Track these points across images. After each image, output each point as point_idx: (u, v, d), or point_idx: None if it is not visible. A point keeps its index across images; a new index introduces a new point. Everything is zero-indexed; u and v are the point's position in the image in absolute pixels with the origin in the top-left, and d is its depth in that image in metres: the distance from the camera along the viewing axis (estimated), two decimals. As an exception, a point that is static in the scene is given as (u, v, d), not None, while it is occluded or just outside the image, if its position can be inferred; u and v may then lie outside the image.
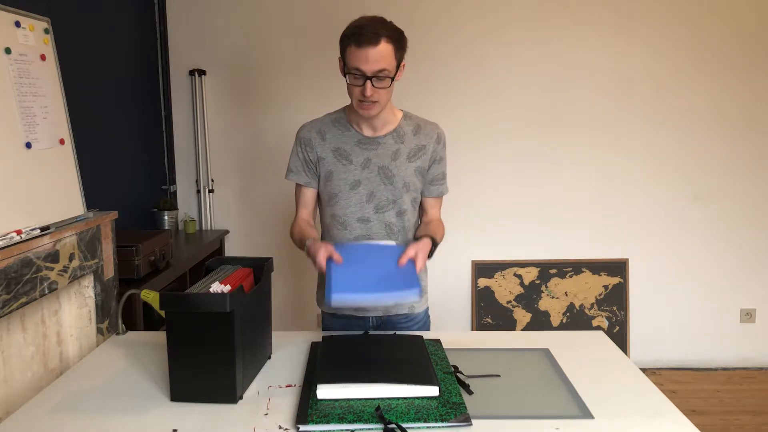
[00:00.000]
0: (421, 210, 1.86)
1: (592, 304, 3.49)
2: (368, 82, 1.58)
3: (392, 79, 1.62)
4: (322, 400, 1.29)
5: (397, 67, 1.63)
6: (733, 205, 3.45)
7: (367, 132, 1.75)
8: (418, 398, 1.30)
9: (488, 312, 3.48)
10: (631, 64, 3.34)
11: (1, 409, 1.41)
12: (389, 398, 1.30)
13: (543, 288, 3.49)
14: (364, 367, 1.43)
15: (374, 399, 1.30)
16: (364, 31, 1.56)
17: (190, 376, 1.32)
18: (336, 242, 1.75)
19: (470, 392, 1.36)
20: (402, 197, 1.76)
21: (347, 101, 1.87)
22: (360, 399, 1.30)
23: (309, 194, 1.84)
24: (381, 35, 1.56)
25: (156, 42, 3.31)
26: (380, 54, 1.56)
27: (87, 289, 1.73)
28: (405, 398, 1.30)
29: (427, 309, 1.91)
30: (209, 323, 1.30)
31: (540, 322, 3.48)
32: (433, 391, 1.32)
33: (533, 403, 1.33)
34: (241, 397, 1.35)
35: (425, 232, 1.74)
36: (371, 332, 1.77)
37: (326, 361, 1.45)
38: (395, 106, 1.80)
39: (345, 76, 1.65)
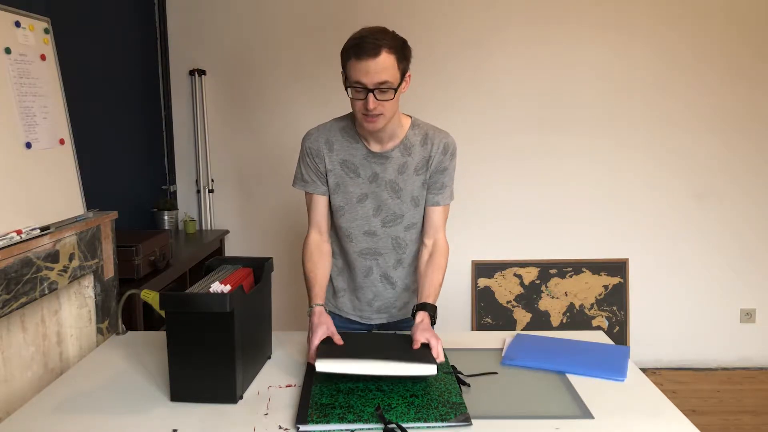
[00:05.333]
0: (425, 224, 1.76)
1: (592, 304, 3.49)
2: (370, 95, 1.52)
3: (395, 90, 1.55)
4: (322, 399, 1.30)
5: (401, 78, 1.56)
6: (734, 205, 3.45)
7: (375, 147, 1.68)
8: (418, 398, 1.30)
9: (488, 312, 3.48)
10: (631, 63, 3.34)
11: (1, 409, 1.41)
12: (388, 385, 1.33)
13: (543, 288, 3.49)
14: (364, 348, 1.47)
15: (373, 377, 1.34)
16: (364, 43, 1.50)
17: (190, 376, 1.32)
18: (344, 253, 1.75)
19: (468, 385, 1.39)
20: (410, 211, 1.71)
21: (348, 101, 1.86)
22: (359, 388, 1.32)
23: (321, 203, 1.75)
24: (381, 46, 1.50)
25: (156, 42, 3.31)
26: (381, 65, 1.50)
27: (87, 289, 1.73)
28: (405, 398, 1.30)
29: None
30: (209, 323, 1.30)
31: (540, 322, 3.48)
32: (431, 369, 1.33)
33: (533, 403, 1.33)
34: (241, 397, 1.35)
35: (424, 290, 1.66)
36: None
37: (327, 344, 1.48)
38: (401, 111, 1.71)
39: (347, 90, 1.58)
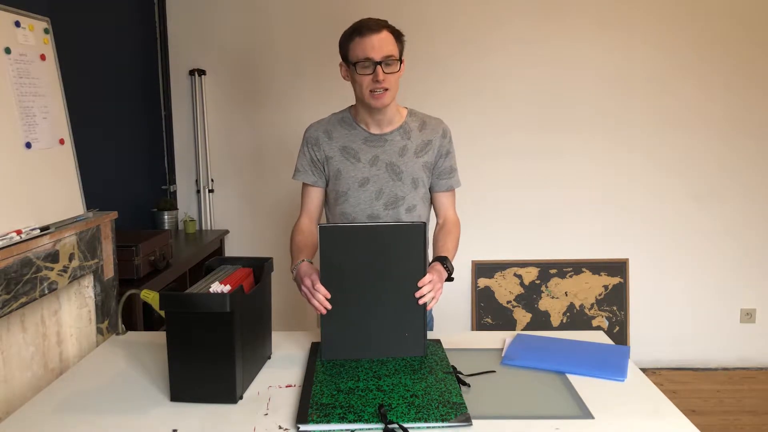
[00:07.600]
0: (436, 208, 1.88)
1: (592, 304, 3.49)
2: (379, 67, 1.63)
3: (399, 61, 1.67)
4: (322, 399, 1.30)
5: (400, 56, 1.69)
6: (734, 205, 3.45)
7: (374, 130, 1.78)
8: (418, 398, 1.30)
9: (488, 312, 3.48)
10: (633, 62, 3.33)
11: (1, 409, 1.41)
12: (389, 385, 1.34)
13: (543, 288, 3.49)
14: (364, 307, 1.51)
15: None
16: (366, 23, 1.65)
17: (190, 376, 1.32)
18: None
19: (468, 385, 1.38)
20: (410, 193, 1.79)
21: (347, 100, 1.88)
22: (360, 388, 1.32)
23: (315, 194, 1.86)
24: (382, 26, 1.65)
25: (156, 42, 3.31)
26: (385, 40, 1.64)
27: (87, 289, 1.73)
28: (405, 398, 1.30)
29: (431, 309, 1.91)
30: (209, 323, 1.30)
31: (540, 322, 3.48)
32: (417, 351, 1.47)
33: (533, 402, 1.33)
34: (241, 397, 1.35)
35: (437, 250, 1.75)
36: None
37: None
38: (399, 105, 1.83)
39: (348, 77, 1.71)
